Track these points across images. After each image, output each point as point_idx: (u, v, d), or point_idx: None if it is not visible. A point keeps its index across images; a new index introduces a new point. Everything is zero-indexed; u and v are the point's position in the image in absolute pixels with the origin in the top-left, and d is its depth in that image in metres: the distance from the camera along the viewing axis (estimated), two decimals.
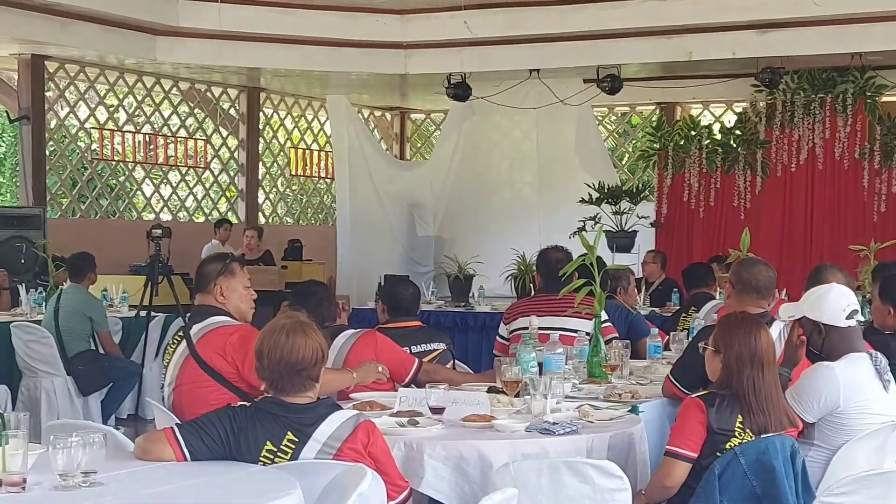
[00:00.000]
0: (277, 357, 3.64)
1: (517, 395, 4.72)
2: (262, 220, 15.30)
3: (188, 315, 4.85)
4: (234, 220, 14.61)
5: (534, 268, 11.19)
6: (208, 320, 4.63)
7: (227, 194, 15.30)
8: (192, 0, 11.73)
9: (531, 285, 10.45)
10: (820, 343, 4.54)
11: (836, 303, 4.50)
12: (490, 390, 4.90)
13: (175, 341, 4.70)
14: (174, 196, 14.69)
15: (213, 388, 4.47)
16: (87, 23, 11.37)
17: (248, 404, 3.74)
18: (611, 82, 12.28)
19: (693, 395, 4.21)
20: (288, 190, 16.24)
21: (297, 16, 12.12)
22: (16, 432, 3.28)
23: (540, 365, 5.09)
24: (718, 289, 8.69)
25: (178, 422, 3.98)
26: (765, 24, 11.28)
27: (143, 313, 9.36)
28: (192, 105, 14.60)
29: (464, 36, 12.01)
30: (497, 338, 6.45)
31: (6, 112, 12.56)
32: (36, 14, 10.94)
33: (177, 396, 4.60)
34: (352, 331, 5.34)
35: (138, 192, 14.40)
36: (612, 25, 11.65)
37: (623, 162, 15.61)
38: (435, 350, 5.72)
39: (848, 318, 4.48)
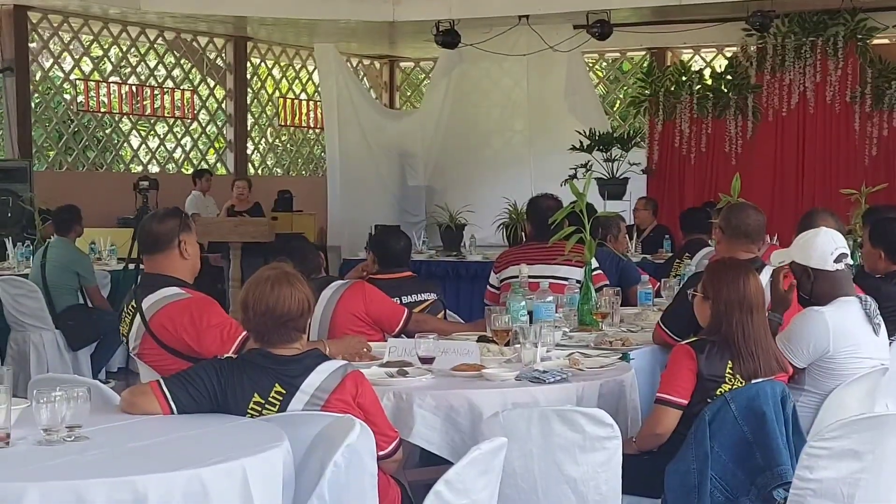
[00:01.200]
0: (263, 308, 3.59)
1: (507, 344, 4.70)
2: (251, 171, 15.21)
3: (137, 285, 4.54)
4: (222, 171, 14.53)
5: (525, 216, 11.22)
6: (159, 293, 4.38)
7: (216, 145, 15.20)
8: None
9: (523, 234, 10.41)
10: (809, 287, 4.52)
11: (823, 246, 4.48)
12: (480, 340, 4.88)
13: (129, 311, 4.46)
14: (162, 147, 14.58)
15: (177, 363, 4.25)
16: None
17: (234, 356, 3.70)
18: (601, 28, 12.17)
19: (683, 342, 4.19)
20: (277, 140, 16.14)
21: None
22: None
23: (530, 313, 5.06)
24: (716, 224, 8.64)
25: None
26: None
27: (131, 266, 9.31)
28: (177, 55, 14.46)
29: None
30: (488, 287, 6.43)
31: None
32: None
33: (143, 362, 4.50)
34: (340, 281, 5.31)
35: (125, 144, 14.28)
36: None
37: (614, 109, 15.52)
38: (425, 300, 5.69)
39: (836, 261, 4.45)
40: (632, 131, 13.29)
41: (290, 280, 3.63)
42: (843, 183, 12.12)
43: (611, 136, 12.81)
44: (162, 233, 4.46)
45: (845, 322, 4.37)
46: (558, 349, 4.75)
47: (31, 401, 3.28)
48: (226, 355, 3.81)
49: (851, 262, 4.54)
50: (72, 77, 13.34)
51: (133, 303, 4.50)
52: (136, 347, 4.49)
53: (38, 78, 12.85)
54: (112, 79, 13.68)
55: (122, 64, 13.83)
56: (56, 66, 13.22)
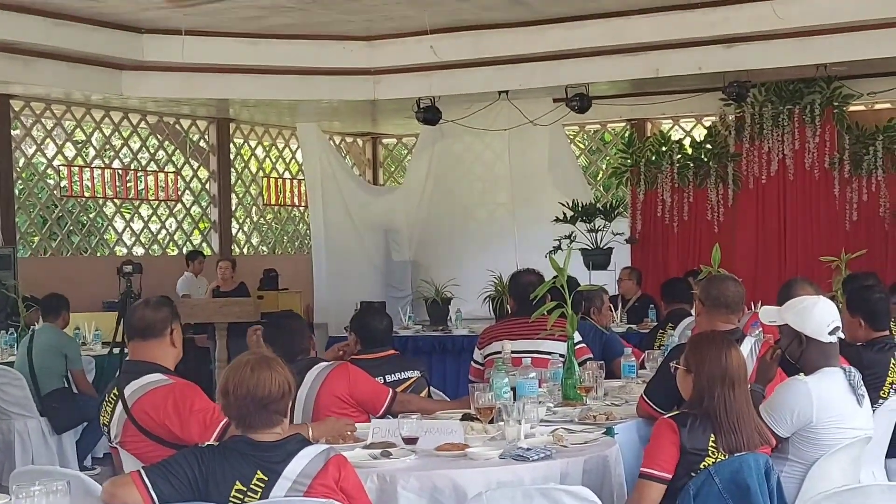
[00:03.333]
0: (244, 392, 3.60)
1: (491, 422, 4.69)
2: (236, 250, 15.24)
3: (119, 373, 4.62)
4: (207, 252, 14.54)
5: (507, 291, 11.24)
6: (142, 380, 4.43)
7: (200, 226, 15.23)
8: (157, 34, 11.67)
9: (507, 306, 10.43)
10: (798, 354, 4.54)
11: (821, 317, 4.49)
12: (464, 417, 4.88)
13: (111, 400, 4.49)
14: (146, 230, 14.61)
15: (159, 450, 4.28)
16: (51, 60, 11.30)
17: (215, 444, 3.69)
18: (580, 101, 12.30)
19: (666, 416, 4.19)
20: (262, 219, 16.19)
21: (264, 45, 12.09)
22: None
23: (514, 389, 5.07)
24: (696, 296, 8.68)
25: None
26: (729, 39, 11.31)
27: (116, 350, 9.32)
28: (161, 138, 14.55)
29: (431, 60, 12.02)
30: (472, 363, 6.44)
31: None
32: None
33: (125, 450, 4.49)
34: (325, 363, 5.30)
35: (109, 228, 14.31)
36: (579, 45, 11.67)
37: (597, 179, 15.63)
38: (409, 378, 5.69)
39: (831, 333, 4.47)
40: (614, 201, 13.38)
41: (270, 364, 3.64)
42: (825, 248, 12.22)
43: (594, 206, 12.89)
44: (155, 320, 4.55)
45: (829, 392, 4.38)
46: (542, 425, 4.75)
47: (11, 496, 3.26)
48: (207, 442, 3.80)
49: (843, 336, 4.55)
50: (55, 163, 13.39)
51: (115, 391, 4.51)
52: (117, 436, 4.49)
53: (21, 164, 12.90)
54: (95, 163, 13.74)
55: (106, 148, 13.90)
56: (39, 153, 13.27)
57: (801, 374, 4.50)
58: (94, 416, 8.64)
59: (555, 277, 5.55)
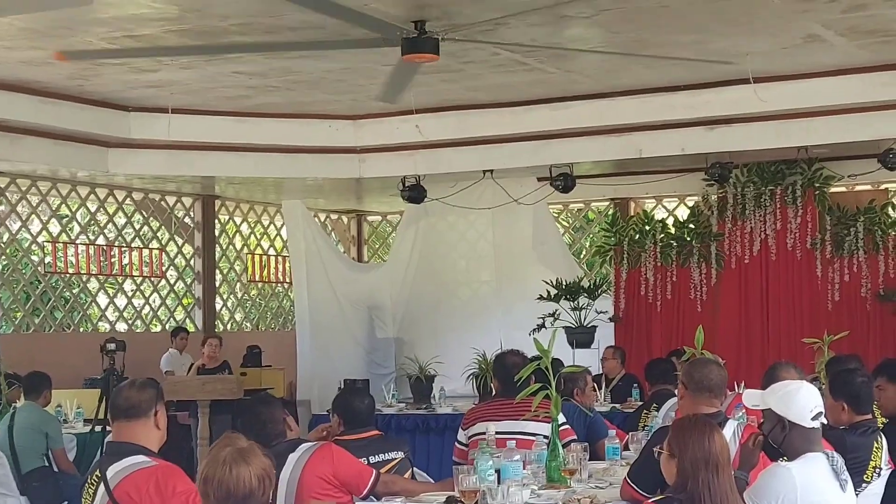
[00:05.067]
0: (224, 493, 3.54)
1: None
2: (220, 327, 15.21)
3: (102, 455, 4.63)
4: (191, 328, 14.51)
5: (492, 372, 11.24)
6: (125, 461, 4.42)
7: (184, 302, 15.22)
8: (144, 112, 11.75)
9: (491, 385, 10.42)
10: (781, 439, 4.54)
11: (804, 402, 4.50)
12: (448, 500, 4.86)
13: (94, 482, 4.47)
14: (130, 306, 14.59)
15: None
16: (37, 138, 11.33)
17: None
18: (564, 181, 12.42)
19: (650, 500, 4.18)
20: (246, 296, 16.19)
21: (250, 123, 12.18)
22: None
23: (498, 472, 5.05)
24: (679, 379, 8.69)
25: None
26: (711, 121, 11.47)
27: (98, 428, 9.27)
28: (146, 214, 14.59)
29: (416, 139, 12.13)
30: (456, 443, 6.42)
31: None
32: None
33: None
34: (308, 444, 5.28)
35: (93, 304, 14.30)
36: (563, 125, 11.80)
37: (580, 257, 15.71)
38: (393, 459, 5.67)
39: (813, 419, 4.48)
40: (598, 279, 13.44)
41: (246, 458, 3.56)
42: (808, 328, 12.28)
43: (578, 285, 12.94)
44: (140, 401, 4.54)
45: (813, 478, 4.38)
46: None
47: None
48: None
49: (825, 421, 4.56)
50: (40, 239, 13.40)
51: (97, 473, 4.50)
52: None
53: (5, 240, 12.90)
54: (80, 239, 13.76)
55: (91, 224, 13.93)
56: (24, 229, 13.29)
57: (785, 459, 4.50)
58: (74, 495, 8.55)
59: (539, 359, 5.56)
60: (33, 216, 13.26)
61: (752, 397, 4.69)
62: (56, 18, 8.35)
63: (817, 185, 12.76)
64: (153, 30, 8.70)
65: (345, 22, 7.80)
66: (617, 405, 10.38)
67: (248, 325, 16.11)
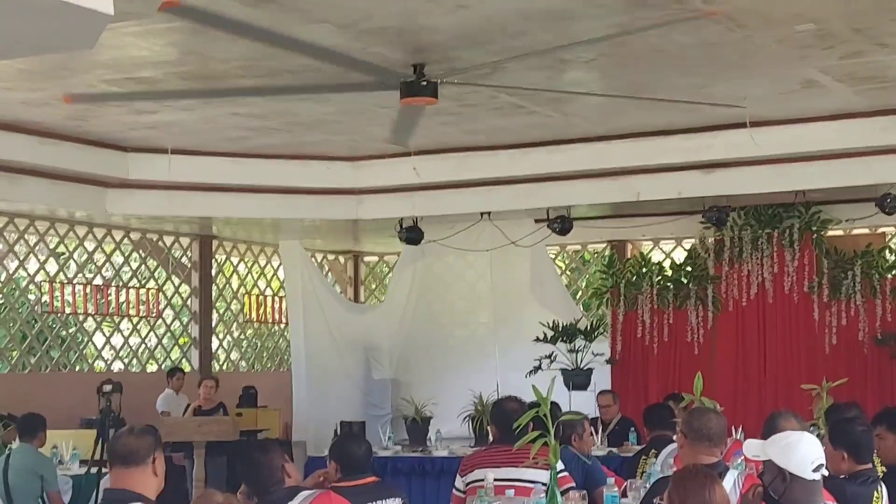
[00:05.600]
0: None
1: None
2: (215, 367, 15.17)
3: (101, 500, 4.65)
4: (187, 367, 14.48)
5: (489, 418, 11.22)
6: None
7: (180, 342, 15.19)
8: (143, 152, 11.78)
9: (488, 427, 10.40)
10: (782, 491, 4.52)
11: (805, 454, 4.47)
12: None
13: None
14: (126, 346, 14.55)
15: None
16: (36, 177, 11.37)
17: None
18: (561, 223, 12.45)
19: None
20: (242, 335, 16.16)
21: (248, 164, 12.22)
22: None
23: None
24: (678, 424, 8.65)
25: None
26: (709, 165, 11.51)
27: (93, 470, 9.22)
28: (143, 254, 14.58)
29: (414, 181, 12.16)
30: (453, 490, 6.38)
31: None
32: None
33: None
34: (306, 492, 5.25)
35: (90, 343, 14.26)
36: (560, 168, 11.85)
37: (576, 298, 15.71)
38: None
39: (815, 470, 4.46)
40: (595, 321, 13.43)
41: None
42: (806, 371, 12.27)
43: (574, 327, 12.94)
44: (139, 447, 4.53)
45: None
46: None
47: None
48: None
49: (826, 473, 4.53)
50: (37, 279, 13.38)
51: None
52: None
53: (2, 279, 12.89)
54: (77, 279, 13.74)
55: (88, 263, 13.92)
56: (21, 268, 13.27)
57: None
58: None
59: (537, 408, 5.54)
60: (31, 255, 13.25)
61: (753, 447, 4.67)
62: (56, 60, 8.38)
63: (814, 228, 12.77)
64: (153, 72, 8.75)
65: (344, 66, 7.85)
66: (614, 449, 10.34)
67: (244, 364, 16.07)
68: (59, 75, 8.90)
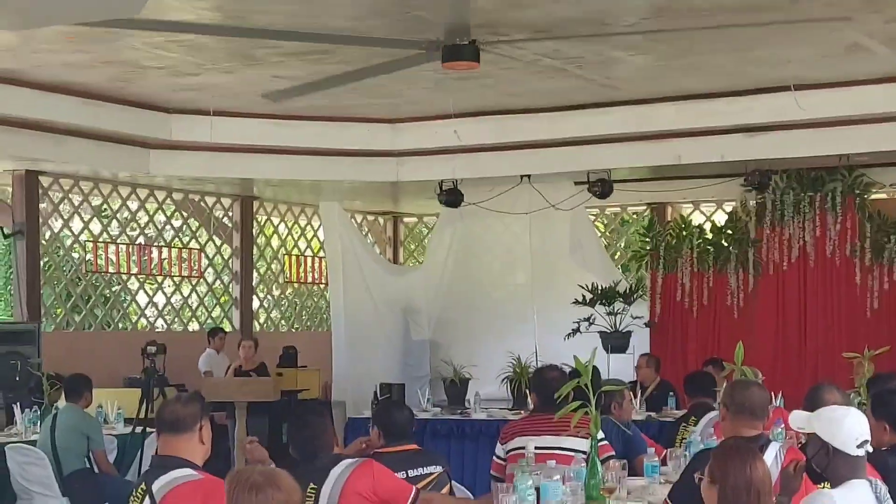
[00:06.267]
0: None
1: None
2: (256, 326, 15.29)
3: (147, 468, 4.75)
4: (227, 327, 14.61)
5: (529, 369, 11.28)
6: (171, 475, 4.51)
7: (221, 302, 15.31)
8: (185, 114, 11.85)
9: (527, 389, 10.46)
10: (825, 464, 4.53)
11: (850, 430, 4.46)
12: None
13: (139, 495, 4.56)
14: (168, 305, 14.70)
15: None
16: (80, 139, 11.49)
17: None
18: (601, 186, 12.41)
19: None
20: (282, 296, 16.26)
21: (289, 126, 12.25)
22: None
23: (537, 490, 5.07)
24: (718, 392, 8.63)
25: None
26: (752, 128, 11.42)
27: (138, 429, 9.36)
28: (185, 214, 14.69)
29: (454, 144, 12.14)
30: (494, 457, 6.43)
31: (1, 228, 12.63)
32: (29, 131, 11.05)
33: None
34: (348, 460, 5.31)
35: (133, 302, 14.42)
36: (601, 131, 11.79)
37: (616, 260, 15.67)
38: (432, 474, 5.70)
39: (859, 447, 4.46)
40: (634, 284, 13.40)
41: (270, 483, 3.54)
42: (846, 336, 12.23)
43: (613, 290, 12.92)
44: (185, 415, 4.66)
45: None
46: None
47: None
48: None
49: (871, 450, 4.53)
50: (81, 238, 13.53)
51: (142, 486, 4.57)
52: None
53: (47, 239, 13.03)
54: (121, 239, 13.88)
55: (131, 223, 14.05)
56: (66, 228, 13.42)
57: (826, 485, 4.49)
58: (115, 497, 8.68)
59: (578, 375, 5.56)
60: (75, 215, 13.38)
61: (799, 419, 4.67)
62: (99, 22, 8.40)
63: (857, 192, 12.66)
64: (196, 35, 8.76)
65: (385, 31, 7.84)
66: (653, 413, 10.35)
67: (284, 324, 16.19)
68: (103, 38, 8.95)
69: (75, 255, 13.70)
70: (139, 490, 4.60)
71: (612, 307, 12.83)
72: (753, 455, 4.18)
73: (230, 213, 15.02)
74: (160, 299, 14.64)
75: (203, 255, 14.91)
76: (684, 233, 13.62)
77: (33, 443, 8.84)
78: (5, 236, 12.45)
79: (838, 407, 4.68)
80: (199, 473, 4.56)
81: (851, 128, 11.13)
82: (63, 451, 8.67)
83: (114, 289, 14.10)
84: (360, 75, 8.90)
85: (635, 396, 10.47)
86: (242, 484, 3.59)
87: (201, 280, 14.98)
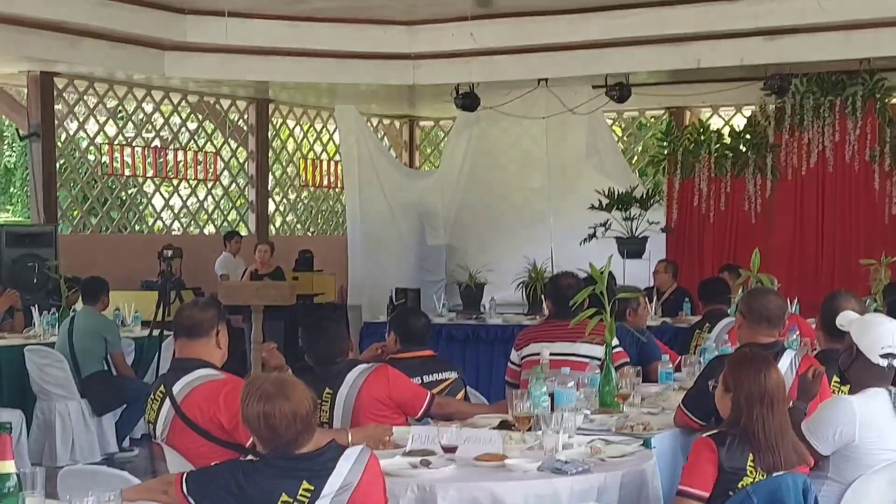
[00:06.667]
0: (266, 425, 3.61)
1: (529, 430, 4.73)
2: (272, 230, 15.32)
3: (166, 371, 4.78)
4: (244, 231, 14.64)
5: (545, 274, 11.29)
6: (192, 374, 4.53)
7: (237, 205, 15.33)
8: (200, 15, 11.74)
9: (542, 295, 10.46)
10: (847, 364, 4.56)
11: (877, 337, 4.49)
12: (502, 424, 4.92)
13: (158, 398, 4.58)
14: (184, 208, 14.72)
15: (207, 446, 4.42)
16: (95, 39, 11.41)
17: (255, 459, 3.73)
18: (619, 90, 12.30)
19: (704, 435, 4.21)
20: (298, 199, 16.26)
21: (304, 28, 12.14)
22: (32, 492, 3.32)
23: (552, 395, 5.09)
24: (733, 299, 8.62)
25: (190, 469, 3.98)
26: (772, 31, 11.27)
27: (155, 332, 9.43)
28: (201, 117, 14.63)
29: (471, 46, 12.02)
30: (508, 364, 6.46)
31: (16, 129, 12.61)
32: (44, 32, 10.98)
33: (172, 447, 4.58)
34: (364, 365, 5.34)
35: (149, 205, 14.44)
36: (620, 34, 11.66)
37: (633, 164, 15.58)
38: (447, 379, 5.74)
39: (882, 356, 4.47)
40: (651, 189, 13.34)
41: (285, 390, 3.62)
42: (864, 241, 12.19)
43: (630, 195, 12.88)
44: (203, 320, 4.67)
45: (873, 412, 4.39)
46: (580, 434, 4.77)
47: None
48: (248, 457, 3.85)
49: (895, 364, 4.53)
50: (96, 140, 13.51)
51: (161, 388, 4.60)
52: (163, 432, 4.59)
53: (63, 141, 13.01)
54: (136, 141, 13.84)
55: (146, 125, 14.00)
56: (81, 130, 13.38)
57: (846, 390, 4.53)
58: (133, 399, 8.77)
59: (594, 282, 5.56)
60: (90, 117, 13.34)
61: (845, 319, 4.67)
62: None
63: (878, 96, 12.51)
64: None
65: None
66: (668, 319, 10.36)
67: (300, 228, 16.21)
68: None
69: (91, 158, 13.69)
70: (158, 392, 4.63)
71: (628, 212, 12.82)
72: (767, 364, 4.20)
73: (245, 116, 14.95)
74: (176, 202, 14.66)
75: (219, 157, 14.88)
76: (702, 137, 13.51)
77: (51, 345, 8.91)
78: (21, 138, 12.42)
79: (883, 316, 4.70)
80: (220, 374, 4.60)
81: (873, 31, 10.99)
82: (81, 354, 8.75)
83: (130, 191, 14.11)
84: None
85: (651, 302, 10.48)
86: (254, 393, 3.63)
87: (217, 183, 14.97)
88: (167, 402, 4.55)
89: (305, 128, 16.19)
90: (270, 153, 15.30)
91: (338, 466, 3.66)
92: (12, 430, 3.15)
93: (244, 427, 4.09)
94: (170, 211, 14.63)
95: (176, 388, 4.54)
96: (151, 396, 4.68)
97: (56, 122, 12.51)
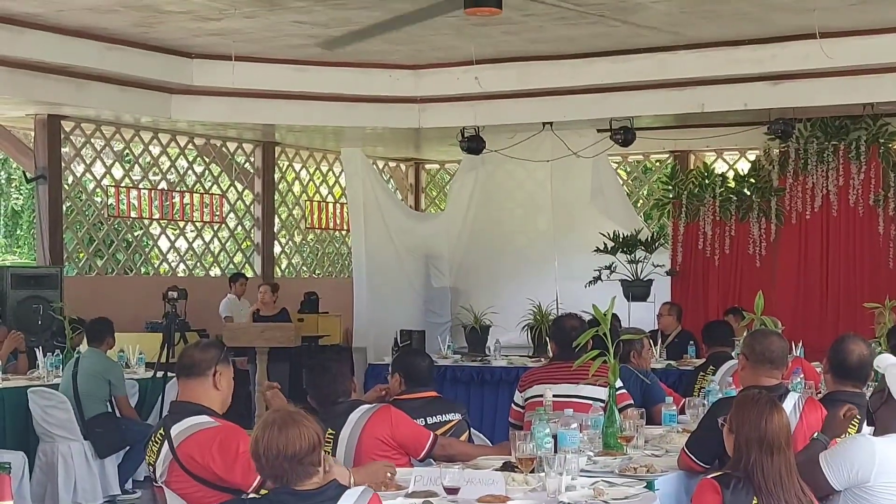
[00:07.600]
0: (275, 453, 3.63)
1: (532, 472, 4.72)
2: (277, 272, 15.35)
3: (166, 414, 4.79)
4: (249, 273, 14.67)
5: (550, 317, 11.29)
6: (188, 421, 4.53)
7: (243, 247, 15.37)
8: (207, 59, 11.83)
9: (546, 337, 10.46)
10: (877, 406, 4.54)
11: None
12: (505, 466, 4.91)
13: (158, 440, 4.59)
14: (190, 250, 14.76)
15: (203, 490, 4.42)
16: (102, 83, 11.49)
17: (257, 497, 3.73)
18: (624, 134, 12.34)
19: (709, 476, 4.19)
20: (304, 241, 16.30)
21: (311, 72, 12.22)
22: None
23: (555, 437, 5.08)
24: (737, 342, 8.62)
25: None
26: (776, 76, 11.32)
27: (159, 374, 9.44)
28: (207, 160, 14.70)
29: (476, 90, 12.09)
30: (512, 405, 6.46)
31: (23, 172, 12.67)
32: (51, 76, 11.07)
33: (170, 489, 4.57)
34: (366, 405, 5.34)
35: (155, 247, 14.48)
36: (624, 78, 11.71)
37: (638, 207, 15.61)
38: (450, 421, 5.72)
39: None
40: (656, 233, 13.36)
41: (295, 420, 3.67)
42: (868, 286, 12.18)
43: (635, 238, 12.90)
44: (200, 360, 4.67)
45: (891, 457, 4.35)
46: (583, 476, 4.76)
47: None
48: (250, 491, 3.85)
49: None
50: (103, 183, 13.57)
51: (161, 431, 4.61)
52: (163, 475, 4.58)
53: (70, 183, 13.07)
54: (142, 184, 13.91)
55: (153, 168, 14.07)
56: (88, 172, 13.46)
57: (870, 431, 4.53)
58: (135, 441, 8.77)
59: (598, 324, 5.57)
60: (97, 159, 13.41)
61: (884, 361, 4.65)
62: None
63: (882, 140, 12.52)
64: None
65: None
66: (672, 362, 10.35)
67: (306, 270, 16.24)
68: None
69: (97, 200, 13.75)
70: (158, 435, 4.64)
71: (633, 255, 12.83)
72: (771, 407, 4.17)
73: (252, 159, 15.03)
74: (182, 244, 14.70)
75: (225, 200, 14.94)
76: (707, 181, 13.53)
77: (55, 386, 8.92)
78: (28, 181, 12.48)
79: None
80: (215, 420, 4.59)
81: (876, 76, 11.02)
82: (85, 395, 8.75)
83: (136, 233, 14.16)
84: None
85: (656, 345, 10.48)
86: (267, 425, 3.66)
87: (223, 225, 15.02)
88: (166, 444, 4.55)
89: (311, 170, 16.26)
90: (276, 195, 15.37)
91: None
92: (14, 471, 3.15)
93: (242, 472, 4.10)
94: (175, 253, 14.67)
95: (174, 432, 4.54)
96: (152, 439, 4.69)
97: (63, 164, 12.58)
